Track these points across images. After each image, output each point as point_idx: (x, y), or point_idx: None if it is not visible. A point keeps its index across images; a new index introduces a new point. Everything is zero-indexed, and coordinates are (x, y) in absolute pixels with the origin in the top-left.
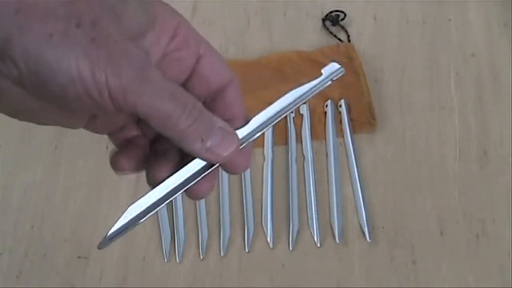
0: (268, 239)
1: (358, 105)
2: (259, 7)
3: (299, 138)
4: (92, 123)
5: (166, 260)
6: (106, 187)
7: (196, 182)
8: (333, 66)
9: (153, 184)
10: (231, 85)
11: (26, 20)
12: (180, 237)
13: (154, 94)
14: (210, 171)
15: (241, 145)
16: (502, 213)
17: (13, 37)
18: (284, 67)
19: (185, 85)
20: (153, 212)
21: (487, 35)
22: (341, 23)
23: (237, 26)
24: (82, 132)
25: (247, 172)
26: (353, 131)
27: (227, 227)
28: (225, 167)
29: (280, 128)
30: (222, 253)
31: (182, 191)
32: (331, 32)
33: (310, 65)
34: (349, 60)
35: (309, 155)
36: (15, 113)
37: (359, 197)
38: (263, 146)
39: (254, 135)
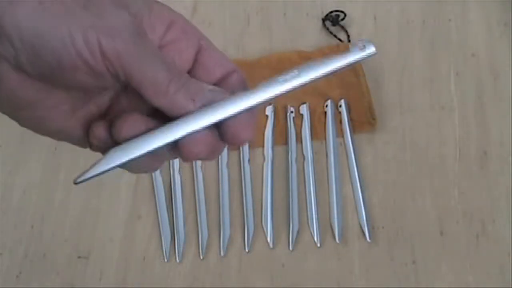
0: (268, 239)
1: (358, 105)
2: (259, 7)
3: (299, 138)
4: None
5: (166, 260)
6: (106, 187)
7: (187, 136)
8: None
9: (122, 138)
10: (236, 73)
11: None
12: (180, 237)
13: (147, 59)
14: (202, 128)
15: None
16: (502, 213)
17: (5, 12)
18: (284, 67)
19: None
20: (133, 156)
21: (487, 35)
22: (341, 23)
23: (237, 26)
24: None
25: (247, 172)
26: (353, 131)
27: (227, 227)
28: (225, 135)
29: (280, 128)
30: (222, 253)
31: (169, 141)
32: (331, 32)
33: None
34: None
35: (309, 155)
36: (15, 111)
37: (359, 197)
38: (263, 146)
39: (259, 101)
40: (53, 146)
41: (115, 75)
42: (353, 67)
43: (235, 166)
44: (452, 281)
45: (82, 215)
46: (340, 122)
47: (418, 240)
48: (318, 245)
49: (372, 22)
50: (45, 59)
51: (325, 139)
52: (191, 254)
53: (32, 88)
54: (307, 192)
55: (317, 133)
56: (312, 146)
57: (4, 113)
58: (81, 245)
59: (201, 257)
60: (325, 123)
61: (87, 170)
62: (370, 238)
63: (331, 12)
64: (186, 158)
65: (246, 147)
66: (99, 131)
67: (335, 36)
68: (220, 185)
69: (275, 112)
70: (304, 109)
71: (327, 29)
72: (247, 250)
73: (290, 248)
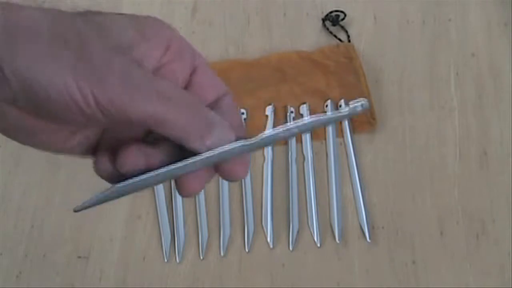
0: (268, 239)
1: None
2: (259, 7)
3: (299, 138)
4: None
5: (166, 260)
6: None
7: (186, 173)
8: (358, 103)
9: (125, 171)
10: (227, 96)
11: (15, 44)
12: (180, 237)
13: (141, 97)
14: (200, 166)
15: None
16: (502, 213)
17: (4, 60)
18: (284, 67)
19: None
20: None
21: (487, 35)
22: (341, 23)
23: (237, 26)
24: None
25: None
26: (353, 131)
27: (227, 227)
28: (222, 172)
29: None
30: (222, 253)
31: (169, 178)
32: (331, 32)
33: (310, 65)
34: (349, 60)
35: (309, 155)
36: (17, 137)
37: (359, 197)
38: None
39: (259, 146)
40: None
41: (113, 120)
42: (353, 67)
43: None
44: (452, 281)
45: (82, 215)
46: (340, 122)
47: (418, 240)
48: (318, 245)
49: (372, 22)
50: (43, 103)
51: (325, 139)
52: (191, 254)
53: (31, 119)
54: (307, 192)
55: (317, 133)
56: (312, 146)
57: (8, 137)
58: (81, 245)
59: (201, 257)
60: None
61: (88, 200)
62: (370, 238)
63: (331, 12)
64: (183, 195)
65: None
66: (105, 165)
67: (335, 36)
68: (220, 185)
69: (275, 112)
70: (304, 109)
71: (327, 29)
72: (247, 250)
73: (290, 248)
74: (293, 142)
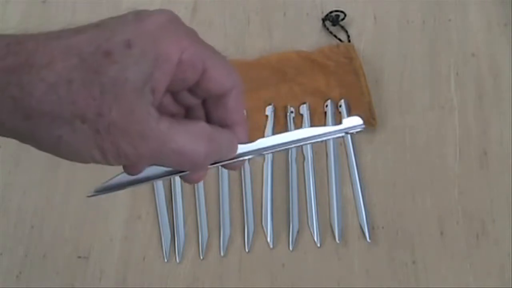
0: (268, 239)
1: (358, 105)
2: (259, 7)
3: None
4: None
5: (166, 260)
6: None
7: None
8: (354, 120)
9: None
10: (234, 91)
11: (35, 127)
12: (180, 237)
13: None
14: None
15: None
16: (502, 213)
17: (27, 140)
18: (284, 67)
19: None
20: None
21: (487, 35)
22: (341, 23)
23: (237, 26)
24: None
25: (247, 172)
26: None
27: (227, 227)
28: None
29: (280, 128)
30: (222, 253)
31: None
32: (331, 32)
33: (310, 65)
34: (349, 60)
35: (309, 155)
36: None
37: (359, 197)
38: None
39: (252, 154)
40: None
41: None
42: (353, 67)
43: None
44: (452, 281)
45: (82, 215)
46: (340, 122)
47: (418, 240)
48: (318, 245)
49: (372, 22)
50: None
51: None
52: (191, 254)
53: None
54: (307, 192)
55: None
56: (312, 146)
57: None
58: (81, 245)
59: (201, 257)
60: (325, 123)
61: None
62: (370, 238)
63: (331, 12)
64: (189, 183)
65: None
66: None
67: (335, 36)
68: (220, 185)
69: (275, 112)
70: (304, 109)
71: (327, 29)
72: (247, 250)
73: (290, 248)
74: None
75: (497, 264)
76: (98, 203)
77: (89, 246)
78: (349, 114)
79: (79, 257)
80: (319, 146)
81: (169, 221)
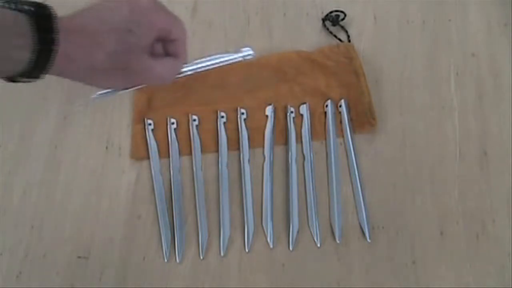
0: (268, 239)
1: (358, 105)
2: (259, 7)
3: (299, 138)
4: None
5: (166, 260)
6: (106, 187)
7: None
8: (248, 50)
9: None
10: (182, 37)
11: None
12: (180, 237)
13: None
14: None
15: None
16: (502, 213)
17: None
18: (284, 67)
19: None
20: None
21: (487, 35)
22: (341, 23)
23: (237, 26)
24: (82, 132)
25: (247, 172)
26: (353, 131)
27: (227, 227)
28: None
29: (280, 128)
30: (222, 253)
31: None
32: (331, 32)
33: (310, 65)
34: (349, 60)
35: (309, 155)
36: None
37: (359, 197)
38: (263, 146)
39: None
40: (53, 145)
41: None
42: (353, 67)
43: (235, 166)
44: (452, 281)
45: (82, 215)
46: (340, 122)
47: (418, 240)
48: (318, 245)
49: (372, 22)
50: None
51: (325, 139)
52: (191, 254)
53: None
54: (307, 192)
55: (317, 133)
56: (312, 146)
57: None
58: (81, 245)
59: (201, 257)
60: (325, 123)
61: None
62: (370, 238)
63: (331, 12)
64: None
65: (246, 147)
66: None
67: (335, 36)
68: (220, 185)
69: (275, 112)
70: (304, 109)
71: (327, 29)
72: (247, 250)
73: (290, 248)
74: (293, 142)
75: (497, 264)
76: (98, 203)
77: (89, 246)
78: (349, 114)
79: (79, 257)
80: (319, 146)
81: (169, 221)
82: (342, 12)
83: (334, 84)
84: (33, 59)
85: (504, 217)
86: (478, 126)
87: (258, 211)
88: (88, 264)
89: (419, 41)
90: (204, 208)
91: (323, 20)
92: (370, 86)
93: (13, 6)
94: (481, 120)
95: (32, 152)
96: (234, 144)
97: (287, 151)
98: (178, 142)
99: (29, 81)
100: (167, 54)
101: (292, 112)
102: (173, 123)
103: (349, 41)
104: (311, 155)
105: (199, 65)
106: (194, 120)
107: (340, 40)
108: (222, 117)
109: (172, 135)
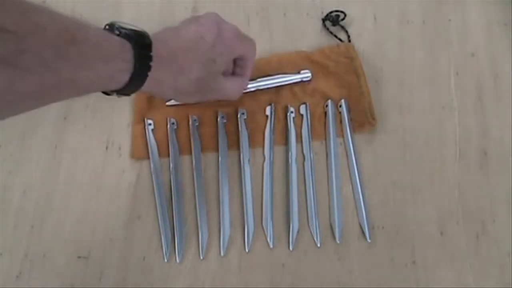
0: (268, 239)
1: (358, 105)
2: (259, 7)
3: (299, 138)
4: None
5: (166, 260)
6: (106, 187)
7: None
8: (306, 73)
9: None
10: (250, 59)
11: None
12: (180, 237)
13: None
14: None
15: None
16: (502, 213)
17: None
18: (284, 67)
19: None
20: None
21: (487, 35)
22: (341, 23)
23: (237, 26)
24: (82, 132)
25: (247, 172)
26: (353, 131)
27: (227, 227)
28: None
29: (280, 128)
30: (222, 253)
31: None
32: (331, 32)
33: (310, 65)
34: (349, 60)
35: (309, 155)
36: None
37: (359, 197)
38: (263, 146)
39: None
40: (53, 145)
41: None
42: (353, 67)
43: (235, 166)
44: (452, 281)
45: (82, 215)
46: (340, 122)
47: (418, 240)
48: (318, 245)
49: (372, 22)
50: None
51: (325, 139)
52: (191, 254)
53: None
54: (307, 192)
55: (317, 133)
56: (312, 146)
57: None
58: (81, 245)
59: (201, 257)
60: (325, 123)
61: None
62: (370, 238)
63: (331, 12)
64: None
65: (246, 147)
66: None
67: (335, 36)
68: (220, 185)
69: (275, 112)
70: (304, 109)
71: (327, 29)
72: (247, 250)
73: (290, 248)
74: (293, 142)
75: (497, 264)
76: (98, 203)
77: (89, 246)
78: (349, 114)
79: (79, 257)
80: (319, 146)
81: (169, 221)
82: (342, 12)
83: (334, 84)
84: (130, 81)
85: (504, 217)
86: (478, 126)
87: (258, 211)
88: (88, 264)
89: (419, 41)
90: (204, 208)
91: (323, 20)
92: (370, 86)
93: (116, 32)
94: (481, 120)
95: (32, 152)
96: (234, 144)
97: (287, 151)
98: (178, 142)
99: (119, 96)
100: (233, 71)
101: (292, 112)
102: (173, 123)
103: (349, 41)
104: (311, 155)
105: (261, 83)
106: (194, 120)
107: (340, 40)
108: (222, 117)
109: (172, 135)
